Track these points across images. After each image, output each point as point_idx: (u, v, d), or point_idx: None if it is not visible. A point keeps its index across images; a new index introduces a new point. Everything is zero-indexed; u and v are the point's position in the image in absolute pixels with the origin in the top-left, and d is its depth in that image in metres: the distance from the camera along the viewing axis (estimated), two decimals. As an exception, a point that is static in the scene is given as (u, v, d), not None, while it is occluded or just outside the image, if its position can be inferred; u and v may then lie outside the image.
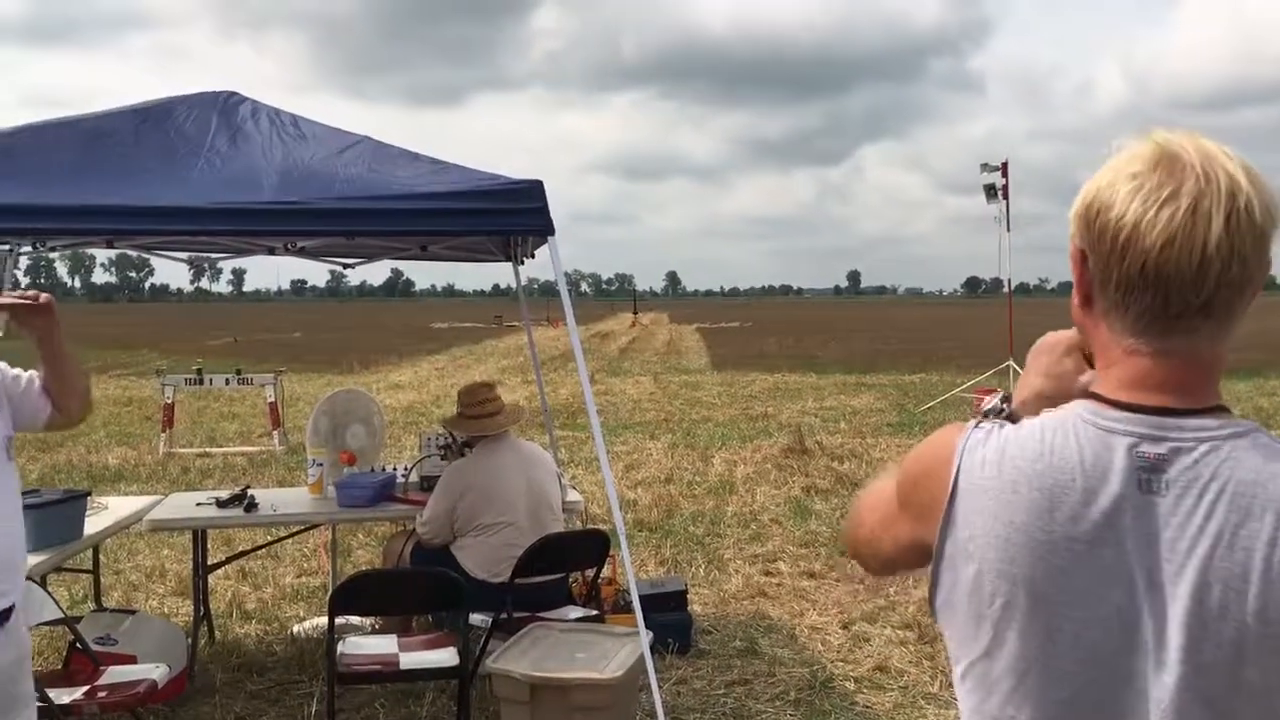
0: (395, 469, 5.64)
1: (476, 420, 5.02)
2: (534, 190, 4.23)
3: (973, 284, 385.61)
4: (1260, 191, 1.10)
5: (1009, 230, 16.12)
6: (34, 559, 4.29)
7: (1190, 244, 1.08)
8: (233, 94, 4.89)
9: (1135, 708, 1.09)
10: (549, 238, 4.34)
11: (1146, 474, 1.10)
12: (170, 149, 4.46)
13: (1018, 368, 15.86)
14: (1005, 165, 15.99)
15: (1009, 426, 1.20)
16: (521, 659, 4.05)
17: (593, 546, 4.86)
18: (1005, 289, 17.36)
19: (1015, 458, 1.15)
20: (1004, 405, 1.33)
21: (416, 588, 4.41)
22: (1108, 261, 1.13)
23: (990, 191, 16.00)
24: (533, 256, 5.92)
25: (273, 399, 12.61)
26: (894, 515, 1.31)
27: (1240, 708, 1.07)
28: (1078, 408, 1.17)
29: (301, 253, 5.64)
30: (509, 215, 4.30)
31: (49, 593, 4.21)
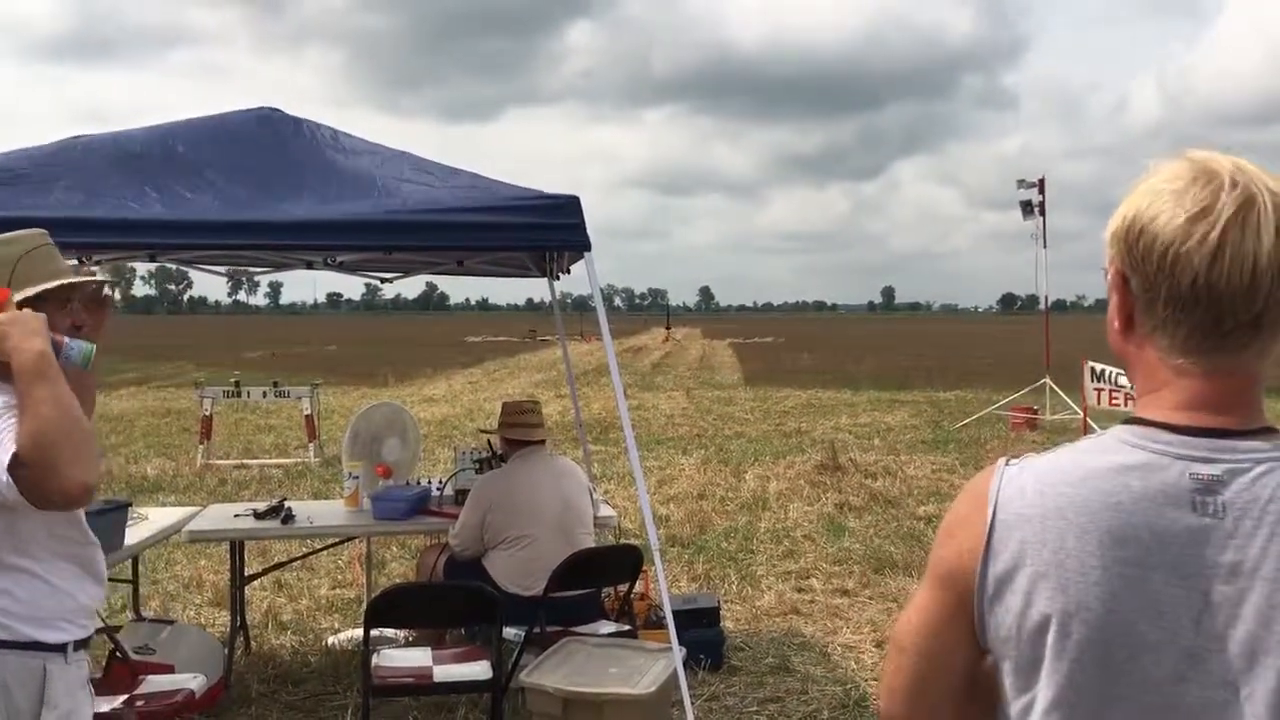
0: (430, 482, 5.67)
1: (517, 428, 5.07)
2: (571, 205, 4.26)
3: (1008, 300, 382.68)
4: None
5: (1045, 247, 16.02)
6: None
7: (1241, 257, 1.07)
8: (274, 110, 4.96)
9: None
10: (585, 253, 4.37)
11: (1202, 496, 1.08)
12: (213, 165, 4.52)
13: (1054, 386, 15.73)
14: (1042, 181, 15.91)
15: (1044, 456, 1.18)
16: (554, 673, 4.06)
17: (626, 561, 4.86)
18: (1042, 306, 17.24)
19: (1059, 484, 1.13)
20: None
21: (451, 601, 4.43)
22: (1154, 280, 1.11)
23: (1027, 208, 15.91)
24: (568, 272, 5.95)
25: (309, 411, 12.71)
26: (939, 616, 1.21)
27: None
28: (1120, 433, 1.15)
29: (340, 267, 5.70)
30: (547, 230, 4.33)
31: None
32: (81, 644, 2.42)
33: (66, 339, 2.27)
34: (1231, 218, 1.07)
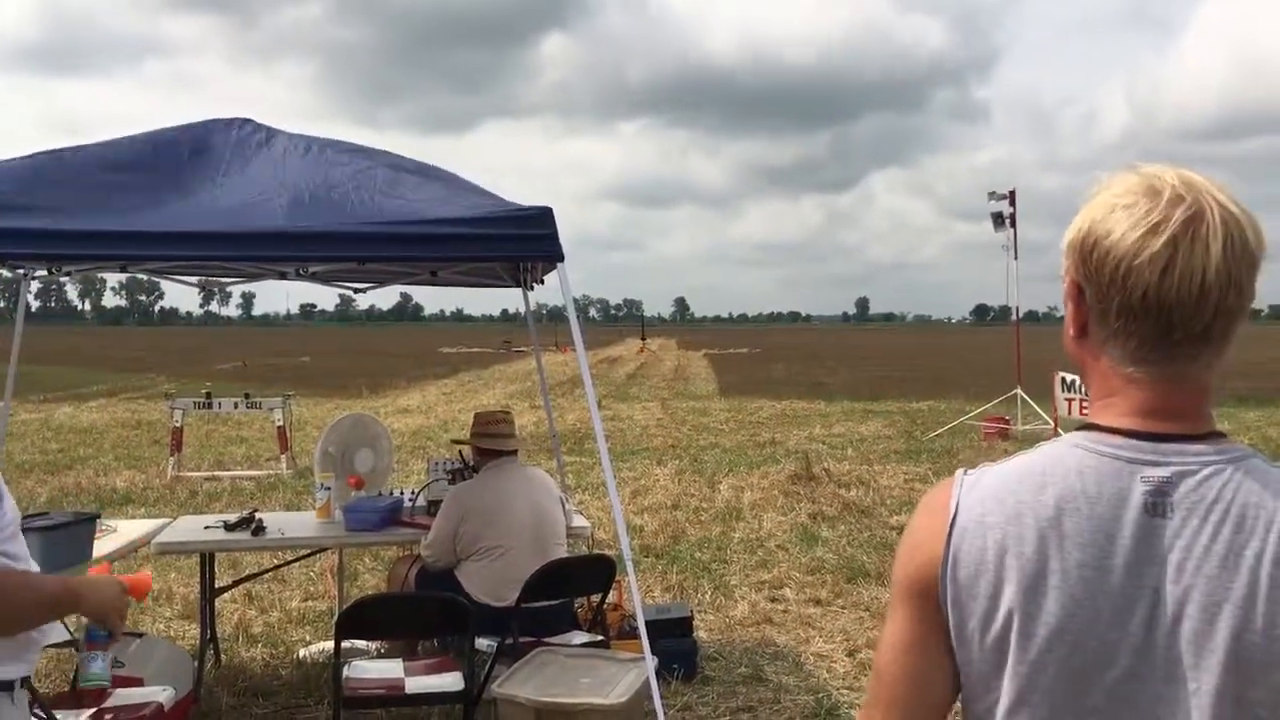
0: (403, 493, 5.66)
1: (488, 438, 5.07)
2: (544, 217, 4.28)
3: (981, 311, 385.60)
4: (1249, 220, 1.13)
5: (1017, 258, 16.15)
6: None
7: (1190, 271, 1.10)
8: (246, 120, 4.95)
9: None
10: (559, 264, 4.38)
11: (1152, 498, 1.11)
12: (185, 175, 4.51)
13: (1026, 396, 15.86)
14: (1013, 193, 16.04)
15: (999, 464, 1.21)
16: (526, 684, 4.05)
17: (599, 572, 4.87)
18: (1014, 317, 17.38)
19: (1016, 491, 1.16)
20: None
21: (423, 612, 4.42)
22: (1107, 291, 1.14)
23: (998, 219, 16.04)
24: (542, 282, 5.97)
25: (281, 423, 12.65)
26: (916, 633, 1.21)
27: None
28: (1074, 438, 1.18)
29: (313, 277, 5.69)
30: (520, 242, 4.35)
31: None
32: (25, 681, 2.33)
33: (109, 656, 2.42)
34: (1180, 232, 1.10)
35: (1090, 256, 1.15)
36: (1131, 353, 1.15)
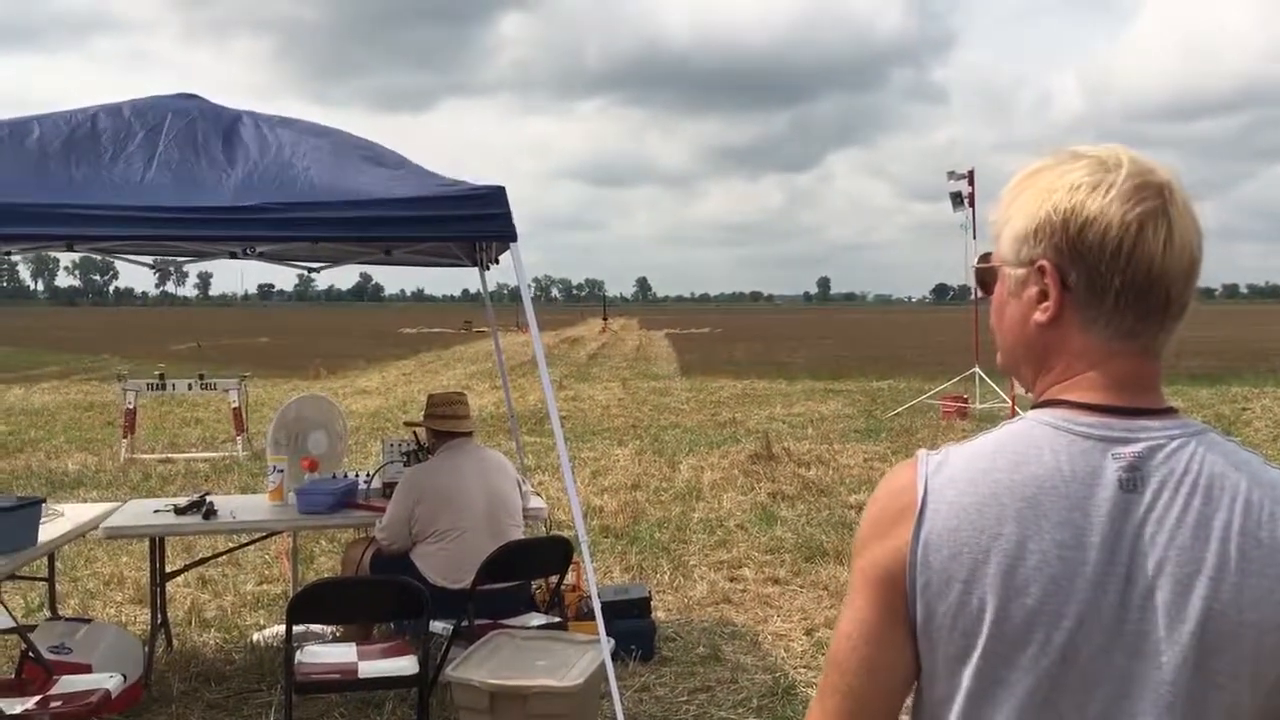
0: (358, 475, 5.60)
1: (442, 419, 5.02)
2: (496, 196, 4.22)
3: (941, 291, 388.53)
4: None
5: (975, 238, 16.24)
6: (-14, 567, 4.23)
7: (1185, 244, 1.12)
8: (192, 96, 4.85)
9: (1126, 707, 1.09)
10: (511, 244, 4.33)
11: (1126, 473, 1.11)
12: (128, 151, 4.40)
13: (983, 374, 15.99)
14: (971, 173, 16.11)
15: (963, 444, 1.18)
16: (481, 667, 4.03)
17: (556, 553, 4.84)
18: (972, 296, 17.49)
19: (990, 470, 1.13)
20: None
21: (376, 596, 4.38)
22: (1107, 271, 1.13)
23: (956, 199, 16.11)
24: (497, 262, 5.91)
25: (236, 404, 12.51)
26: (879, 621, 1.16)
27: (1214, 697, 1.08)
28: (1041, 416, 1.16)
29: (261, 257, 5.59)
30: (471, 221, 4.29)
31: (1, 601, 4.15)
32: None
33: None
34: (1172, 209, 1.12)
35: (1080, 239, 1.13)
36: (1128, 328, 1.15)
